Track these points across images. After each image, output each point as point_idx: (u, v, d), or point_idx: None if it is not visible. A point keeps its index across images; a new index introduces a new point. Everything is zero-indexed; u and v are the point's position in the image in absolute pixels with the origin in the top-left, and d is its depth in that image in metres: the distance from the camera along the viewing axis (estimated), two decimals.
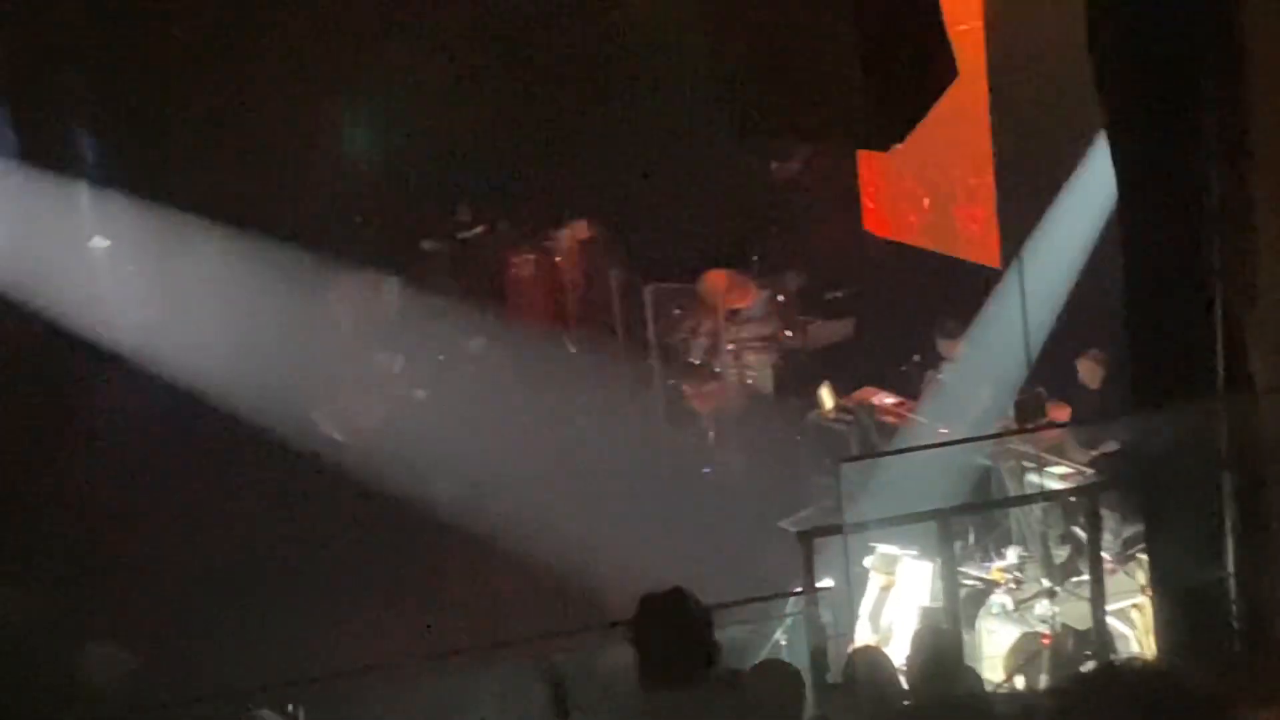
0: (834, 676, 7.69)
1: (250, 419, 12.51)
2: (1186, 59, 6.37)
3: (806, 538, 8.18)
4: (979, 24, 11.00)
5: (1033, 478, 10.28)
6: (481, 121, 15.47)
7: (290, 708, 8.32)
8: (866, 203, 13.48)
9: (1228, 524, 6.76)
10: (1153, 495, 7.30)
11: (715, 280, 14.13)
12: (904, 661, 7.24)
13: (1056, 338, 11.62)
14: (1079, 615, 9.12)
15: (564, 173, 14.85)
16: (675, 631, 5.21)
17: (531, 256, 15.53)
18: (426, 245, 15.64)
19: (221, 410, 12.59)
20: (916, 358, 12.25)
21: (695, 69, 5.87)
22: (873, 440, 11.81)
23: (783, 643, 9.35)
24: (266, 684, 8.50)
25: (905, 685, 7.24)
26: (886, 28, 4.93)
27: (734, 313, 14.10)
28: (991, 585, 9.82)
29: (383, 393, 14.08)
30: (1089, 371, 11.34)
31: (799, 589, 8.31)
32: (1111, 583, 9.02)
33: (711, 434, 13.61)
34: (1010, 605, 9.72)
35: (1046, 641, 9.22)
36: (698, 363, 14.09)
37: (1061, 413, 11.12)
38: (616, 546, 10.36)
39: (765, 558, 9.75)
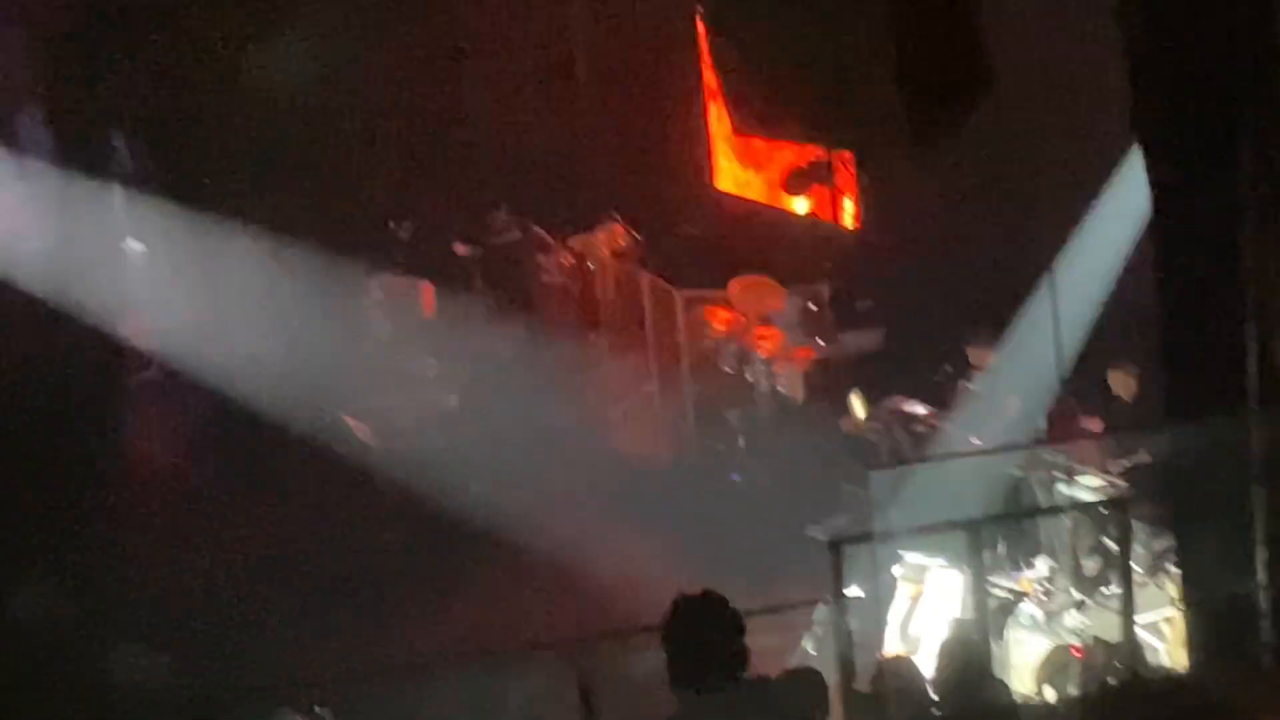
0: (862, 685, 7.69)
1: (285, 422, 12.57)
2: (1224, 78, 6.37)
3: (836, 546, 8.17)
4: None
5: (1063, 488, 10.26)
6: (519, 127, 15.58)
7: (316, 708, 8.35)
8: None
9: (1259, 537, 6.75)
10: (1184, 508, 7.28)
11: (746, 287, 14.14)
12: (933, 671, 7.25)
13: (1089, 349, 11.61)
14: (1109, 627, 9.10)
15: (597, 178, 14.91)
16: (707, 634, 5.23)
17: (564, 262, 15.59)
18: (460, 250, 15.69)
19: (255, 413, 12.65)
20: (948, 367, 12.23)
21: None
22: (903, 449, 11.79)
23: (811, 651, 9.36)
24: (297, 684, 8.54)
25: (934, 695, 7.26)
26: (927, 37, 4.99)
27: (765, 320, 14.12)
28: (1020, 596, 9.81)
29: (417, 397, 14.12)
30: (1121, 383, 11.30)
31: (828, 597, 8.32)
32: (1142, 595, 9.00)
33: (741, 441, 13.61)
34: (1040, 616, 9.71)
35: (1078, 654, 9.20)
36: (729, 370, 14.10)
37: (1093, 424, 11.11)
38: (646, 552, 10.39)
39: (794, 565, 9.74)
